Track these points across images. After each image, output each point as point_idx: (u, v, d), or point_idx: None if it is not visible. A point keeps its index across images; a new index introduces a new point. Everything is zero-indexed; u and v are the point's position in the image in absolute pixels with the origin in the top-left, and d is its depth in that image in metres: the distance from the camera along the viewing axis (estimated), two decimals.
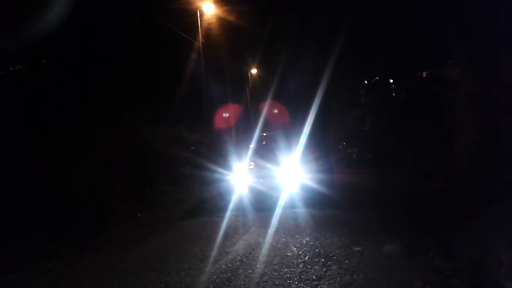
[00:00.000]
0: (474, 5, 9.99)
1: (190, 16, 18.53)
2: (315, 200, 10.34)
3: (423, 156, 18.27)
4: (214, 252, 6.41)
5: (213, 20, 20.49)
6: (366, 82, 30.87)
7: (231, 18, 20.73)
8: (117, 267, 6.03)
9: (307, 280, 5.00)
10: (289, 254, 6.13)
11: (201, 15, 18.69)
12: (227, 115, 24.11)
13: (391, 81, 28.00)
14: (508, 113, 9.93)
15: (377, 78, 29.43)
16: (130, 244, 7.70)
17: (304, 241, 6.80)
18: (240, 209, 10.20)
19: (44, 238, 7.26)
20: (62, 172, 9.02)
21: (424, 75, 24.72)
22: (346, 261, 5.63)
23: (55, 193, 8.38)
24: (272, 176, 11.30)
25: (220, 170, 12.69)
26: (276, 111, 26.26)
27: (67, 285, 5.43)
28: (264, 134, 15.29)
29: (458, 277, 4.87)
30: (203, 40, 19.00)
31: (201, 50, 18.79)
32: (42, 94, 10.70)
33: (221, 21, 21.13)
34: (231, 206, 10.28)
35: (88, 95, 12.49)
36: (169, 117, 15.35)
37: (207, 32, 20.56)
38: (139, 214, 10.14)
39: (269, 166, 11.44)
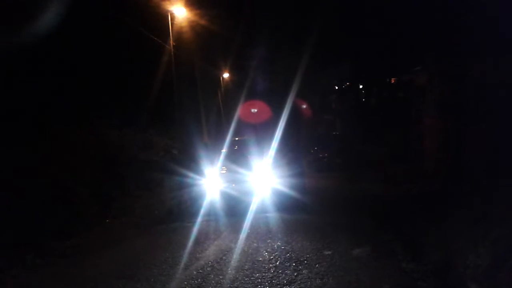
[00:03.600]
0: (444, 13, 10.31)
1: (161, 19, 18.39)
2: (286, 205, 10.39)
3: (392, 160, 18.65)
4: (184, 258, 6.35)
5: (185, 24, 20.39)
6: (336, 87, 31.35)
7: (203, 22, 20.70)
8: (85, 274, 5.89)
9: (278, 284, 5.01)
10: (260, 259, 6.13)
11: (172, 18, 18.57)
12: (200, 118, 23.98)
13: (361, 86, 28.51)
14: (473, 118, 10.27)
15: (347, 83, 29.94)
16: (99, 250, 7.53)
17: (275, 246, 6.82)
18: (211, 214, 10.14)
19: (9, 243, 7.03)
20: (29, 176, 8.76)
21: (393, 81, 25.28)
22: (317, 265, 5.68)
23: (21, 198, 8.13)
24: (244, 181, 11.29)
25: (191, 174, 12.59)
26: (253, 111, 26.22)
27: None
28: (236, 138, 15.27)
29: (425, 280, 4.99)
30: (174, 44, 18.86)
31: (172, 53, 18.64)
32: (5, 96, 10.37)
33: (193, 24, 21.07)
34: (202, 211, 10.21)
35: (55, 98, 12.18)
36: (139, 121, 15.13)
37: (179, 36, 20.45)
38: (108, 220, 9.95)
39: (241, 170, 11.42)
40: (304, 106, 26.27)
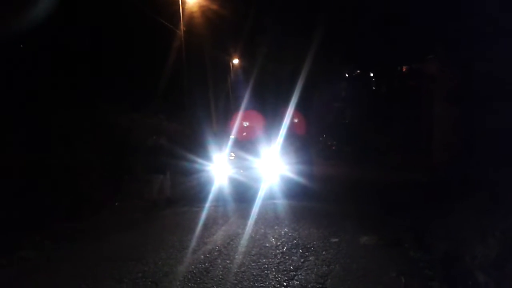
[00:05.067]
0: (454, 2, 10.14)
1: (172, 4, 18.29)
2: (294, 192, 10.40)
3: (401, 149, 18.56)
4: (192, 242, 6.39)
5: (195, 9, 20.28)
6: (347, 75, 31.08)
7: (214, 6, 20.56)
8: (93, 257, 5.95)
9: (284, 270, 5.03)
10: (267, 245, 6.15)
11: (183, 3, 18.47)
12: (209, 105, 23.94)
13: (372, 75, 28.26)
14: (484, 108, 10.14)
15: (357, 71, 29.68)
16: (107, 233, 7.58)
17: (282, 232, 6.84)
18: (219, 199, 10.19)
19: (18, 226, 7.10)
20: (37, 160, 8.84)
21: (404, 69, 25.02)
22: (324, 252, 5.70)
23: (30, 181, 8.21)
24: (252, 167, 11.31)
25: (200, 160, 12.63)
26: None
27: (41, 275, 5.33)
28: (245, 125, 15.25)
29: (432, 269, 4.98)
30: (184, 29, 18.78)
31: (182, 38, 18.57)
32: (16, 80, 10.42)
33: (204, 9, 20.93)
34: (210, 196, 10.26)
35: (64, 81, 12.21)
36: (148, 106, 15.16)
37: (189, 21, 20.34)
38: (116, 203, 10.04)
39: (250, 157, 11.44)
40: (313, 94, 26.09)
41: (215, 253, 5.78)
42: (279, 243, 6.20)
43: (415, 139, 18.16)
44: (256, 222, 7.66)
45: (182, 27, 18.56)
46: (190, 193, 11.68)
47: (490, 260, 4.39)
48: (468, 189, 7.34)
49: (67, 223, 7.89)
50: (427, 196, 8.75)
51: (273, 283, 4.68)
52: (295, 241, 6.30)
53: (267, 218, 7.94)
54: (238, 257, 5.57)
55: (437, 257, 5.29)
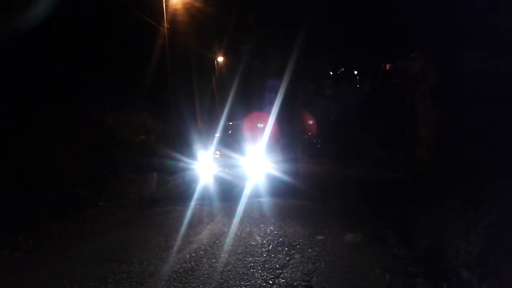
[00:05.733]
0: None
1: (155, 1, 18.14)
2: (280, 190, 10.42)
3: (385, 146, 18.73)
4: (178, 242, 6.36)
5: (179, 6, 20.14)
6: (331, 73, 31.25)
7: (197, 4, 20.46)
8: (78, 257, 5.88)
9: (270, 268, 5.05)
10: (253, 243, 6.16)
11: (167, 0, 18.32)
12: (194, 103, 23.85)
13: (356, 72, 28.47)
14: (467, 105, 10.27)
15: (342, 69, 29.86)
16: (92, 233, 7.51)
17: (268, 230, 6.85)
18: (205, 198, 10.16)
19: (1, 226, 6.99)
20: (21, 158, 8.69)
21: (388, 67, 25.25)
22: (309, 250, 5.73)
23: (14, 180, 8.07)
24: (238, 166, 11.29)
25: (185, 159, 12.57)
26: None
27: (24, 275, 5.25)
28: (230, 123, 15.24)
29: (416, 266, 5.05)
30: (168, 26, 18.64)
31: (166, 36, 18.43)
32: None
33: (187, 7, 20.80)
34: (196, 195, 10.22)
35: (48, 80, 12.03)
36: (133, 104, 15.03)
37: (173, 19, 20.19)
38: (101, 203, 9.93)
39: (235, 155, 11.42)
40: (298, 92, 26.18)
41: (201, 252, 5.76)
42: (264, 241, 6.21)
43: (399, 137, 18.34)
44: (242, 220, 7.65)
45: (165, 24, 18.42)
46: (176, 192, 11.62)
47: (473, 256, 4.46)
48: (451, 186, 7.44)
49: (51, 223, 7.79)
50: (410, 193, 8.85)
51: (259, 281, 4.69)
52: (280, 239, 6.32)
53: (253, 217, 7.94)
54: (224, 256, 5.57)
55: (421, 253, 5.36)
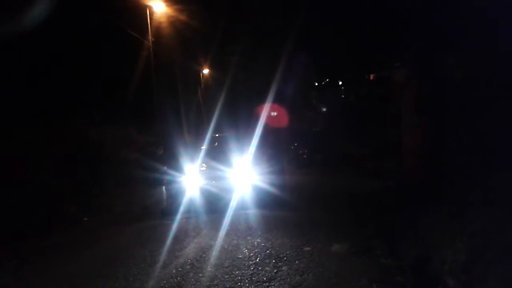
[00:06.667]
0: (421, 8, 10.38)
1: (140, 15, 18.14)
2: (266, 201, 10.39)
3: (371, 156, 18.83)
4: (164, 256, 6.30)
5: (164, 19, 20.17)
6: (316, 84, 31.49)
7: (182, 17, 20.51)
8: (63, 273, 5.80)
9: (258, 282, 5.00)
10: (240, 256, 6.12)
11: (151, 13, 18.33)
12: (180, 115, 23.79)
13: (340, 83, 28.73)
14: (452, 114, 10.39)
15: (327, 80, 30.11)
16: (77, 249, 7.42)
17: (255, 243, 6.81)
18: (191, 211, 10.09)
19: None
20: (4, 173, 8.57)
21: (372, 77, 25.50)
22: (297, 262, 5.70)
23: None
24: (224, 178, 11.24)
25: (171, 172, 12.48)
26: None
27: None
28: (216, 135, 15.19)
29: (403, 275, 5.05)
30: (153, 39, 18.62)
31: (151, 49, 18.41)
32: None
33: (172, 20, 20.84)
34: (182, 208, 10.14)
35: (34, 95, 11.91)
36: (119, 118, 14.94)
37: (158, 32, 20.19)
38: (85, 218, 9.82)
39: (221, 167, 11.37)
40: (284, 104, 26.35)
41: (187, 267, 5.70)
42: (252, 254, 6.16)
43: (384, 147, 18.46)
44: (229, 233, 7.60)
45: (150, 37, 18.40)
46: (162, 206, 11.52)
47: (459, 265, 4.48)
48: (437, 195, 7.49)
49: (36, 239, 7.70)
50: (397, 202, 8.88)
51: None
52: (268, 251, 6.28)
53: (240, 229, 7.90)
54: (211, 270, 5.52)
55: (408, 263, 5.36)
